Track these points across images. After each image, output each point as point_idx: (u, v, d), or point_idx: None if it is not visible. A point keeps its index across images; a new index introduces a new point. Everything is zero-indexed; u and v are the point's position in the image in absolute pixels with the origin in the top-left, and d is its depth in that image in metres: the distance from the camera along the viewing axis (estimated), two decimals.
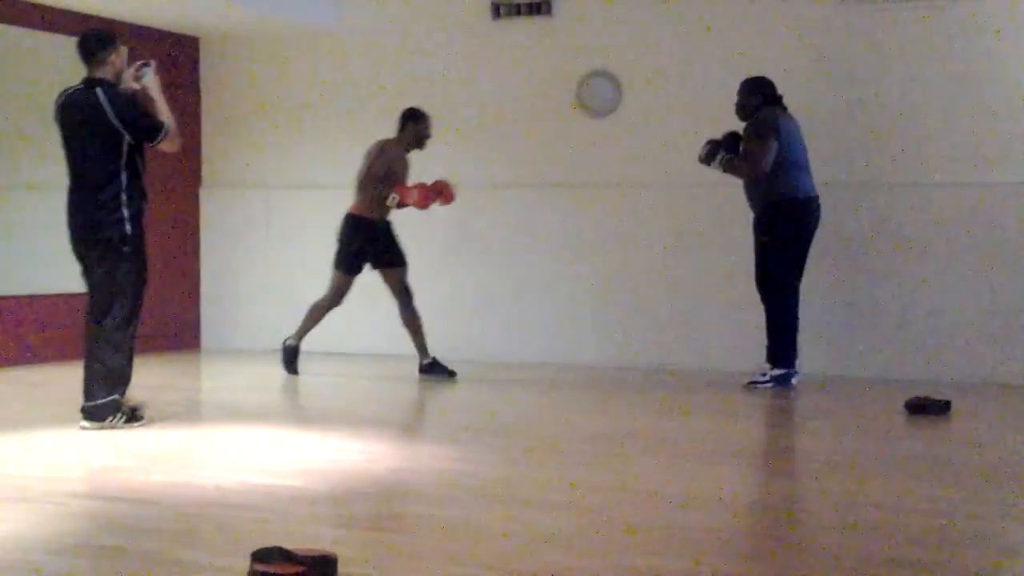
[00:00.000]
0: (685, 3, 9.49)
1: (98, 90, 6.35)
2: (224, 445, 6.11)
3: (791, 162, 8.07)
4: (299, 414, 7.13)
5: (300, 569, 3.67)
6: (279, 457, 5.85)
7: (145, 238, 6.54)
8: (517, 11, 9.92)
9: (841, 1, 9.01)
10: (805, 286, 8.83)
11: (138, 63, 6.58)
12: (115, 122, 6.29)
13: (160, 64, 6.62)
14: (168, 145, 6.50)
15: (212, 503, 4.86)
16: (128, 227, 6.38)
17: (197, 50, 10.79)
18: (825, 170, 9.00)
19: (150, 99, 6.49)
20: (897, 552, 4.16)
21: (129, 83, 6.52)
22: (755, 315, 8.87)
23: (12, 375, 8.92)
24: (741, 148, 8.19)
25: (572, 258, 9.81)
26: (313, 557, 3.75)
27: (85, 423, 6.39)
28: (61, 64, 9.85)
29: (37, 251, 9.78)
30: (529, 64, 9.95)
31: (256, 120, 10.78)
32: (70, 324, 9.81)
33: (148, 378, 8.38)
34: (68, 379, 8.73)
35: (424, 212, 8.70)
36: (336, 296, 8.68)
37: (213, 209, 10.93)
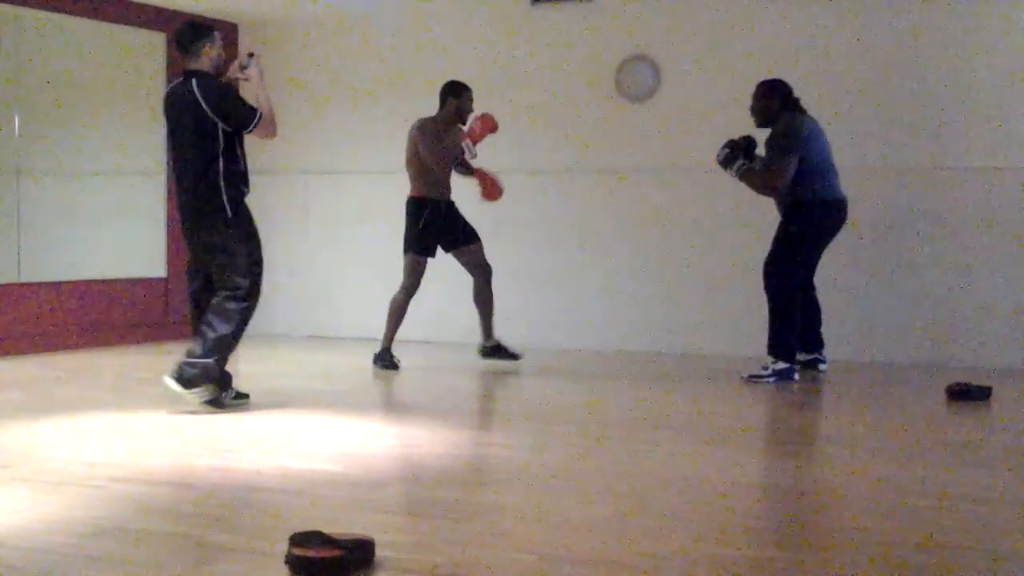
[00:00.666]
0: None
1: (193, 81, 6.52)
2: (263, 430, 6.12)
3: (819, 165, 7.90)
4: (337, 399, 7.14)
5: (338, 553, 3.68)
6: (318, 442, 5.86)
7: (252, 220, 6.71)
8: None
9: None
10: (846, 273, 8.81)
11: (244, 54, 6.81)
12: (208, 111, 6.44)
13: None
14: (263, 131, 6.61)
15: (251, 487, 4.88)
16: (229, 211, 6.53)
17: (235, 36, 10.82)
18: (866, 156, 8.96)
19: (252, 88, 6.68)
20: (935, 538, 4.12)
21: (235, 73, 6.74)
22: None
23: (56, 360, 8.98)
24: (765, 155, 7.98)
25: (610, 244, 9.79)
26: (351, 541, 3.75)
27: (169, 380, 6.43)
28: (106, 50, 9.98)
29: (75, 237, 9.86)
30: (568, 49, 9.92)
31: (295, 105, 10.79)
32: (111, 309, 9.88)
33: None
34: (111, 365, 8.80)
35: (457, 199, 8.62)
36: (409, 280, 8.49)
37: (252, 195, 10.91)
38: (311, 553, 3.66)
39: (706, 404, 7.15)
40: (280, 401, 7.04)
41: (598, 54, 9.81)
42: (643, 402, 7.30)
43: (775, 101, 7.99)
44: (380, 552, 3.78)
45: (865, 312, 9.01)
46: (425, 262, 8.47)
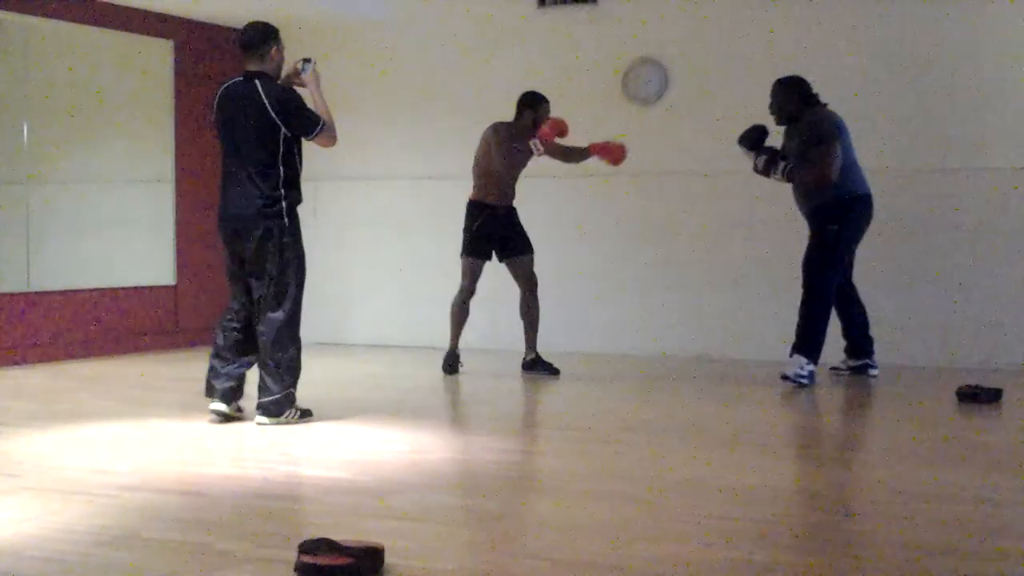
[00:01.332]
0: None
1: (257, 82, 6.37)
2: (272, 437, 6.12)
3: (851, 160, 7.86)
4: (346, 406, 7.14)
5: (347, 560, 3.68)
6: (326, 449, 5.86)
7: (300, 233, 6.54)
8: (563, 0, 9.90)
9: None
10: (858, 272, 8.80)
11: (300, 59, 6.65)
12: (273, 115, 6.30)
13: (205, 57, 6.61)
14: (324, 140, 6.50)
15: (260, 495, 4.88)
16: (286, 220, 6.40)
17: None
18: (875, 157, 8.94)
19: (308, 94, 6.56)
20: (947, 541, 4.11)
21: (289, 78, 6.58)
22: (793, 305, 8.83)
23: (65, 369, 9.00)
24: (803, 151, 7.85)
25: (617, 247, 9.78)
26: (360, 548, 3.75)
27: (262, 419, 6.37)
28: (115, 59, 10.00)
29: (84, 245, 9.89)
30: (575, 52, 9.92)
31: None
32: (120, 318, 9.89)
33: (196, 371, 8.44)
34: (121, 373, 8.81)
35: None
36: (464, 281, 8.51)
37: None
38: (320, 561, 3.66)
39: (717, 407, 7.14)
40: None
41: (605, 57, 9.81)
42: (654, 406, 7.29)
43: (795, 97, 7.94)
44: (389, 559, 3.79)
45: (875, 314, 8.97)
46: (480, 264, 8.48)
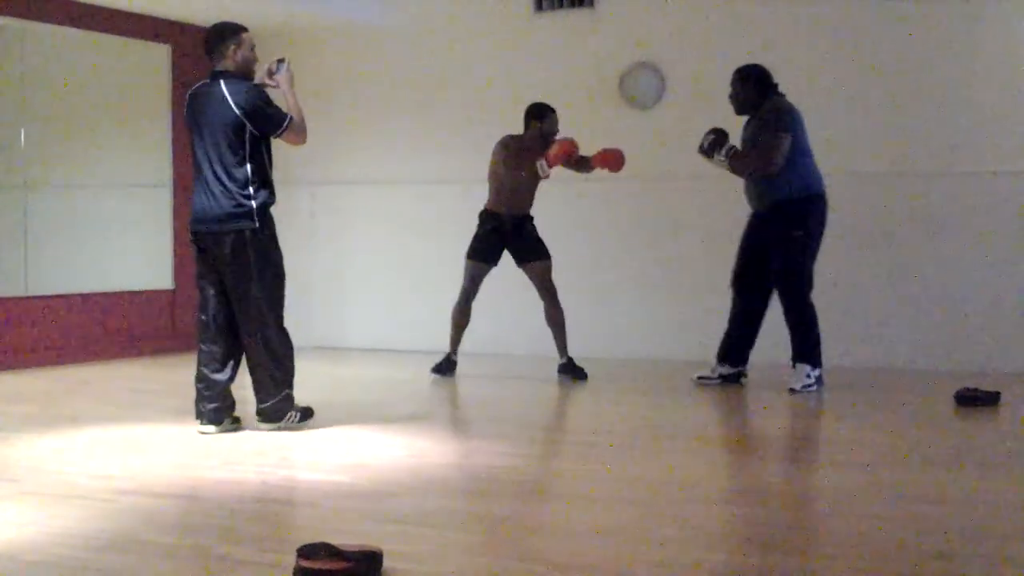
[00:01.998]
0: None
1: (221, 82, 6.27)
2: (270, 442, 6.12)
3: (808, 153, 7.64)
4: (344, 410, 7.14)
5: (346, 565, 3.68)
6: (325, 453, 5.85)
7: (275, 233, 6.41)
8: (560, 4, 9.90)
9: None
10: (853, 279, 8.80)
11: (273, 60, 6.55)
12: (238, 112, 6.18)
13: (203, 62, 6.58)
14: (292, 137, 6.39)
15: (259, 499, 4.88)
16: (257, 222, 6.26)
17: None
18: (872, 160, 8.97)
19: (282, 94, 6.45)
20: (945, 545, 4.11)
21: (264, 79, 6.48)
22: None
23: (63, 373, 8.99)
24: (754, 138, 7.70)
25: (615, 251, 9.78)
26: (359, 553, 3.75)
27: (262, 424, 6.34)
28: (112, 63, 10.00)
29: (82, 249, 9.88)
30: (572, 57, 9.92)
31: None
32: (118, 322, 9.89)
33: (193, 375, 8.45)
34: (119, 377, 8.80)
35: (464, 209, 8.63)
36: (464, 283, 8.56)
37: None
38: (319, 565, 3.66)
39: (715, 411, 7.14)
40: None
41: (602, 61, 9.82)
42: (652, 410, 7.29)
43: (751, 86, 7.77)
44: (388, 563, 3.78)
45: (872, 317, 9.00)
46: (479, 267, 8.52)
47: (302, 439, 6.18)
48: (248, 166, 6.26)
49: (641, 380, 8.58)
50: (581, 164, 8.53)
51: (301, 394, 6.53)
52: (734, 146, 7.74)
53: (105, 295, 9.82)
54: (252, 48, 6.43)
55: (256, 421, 6.36)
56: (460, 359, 8.68)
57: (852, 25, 9.13)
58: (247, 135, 6.25)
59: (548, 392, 8.08)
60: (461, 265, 8.64)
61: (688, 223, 9.56)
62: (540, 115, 8.43)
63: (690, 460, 5.71)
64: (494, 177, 8.47)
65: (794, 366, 7.68)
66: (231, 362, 6.40)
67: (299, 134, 6.43)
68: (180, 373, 8.67)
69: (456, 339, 8.64)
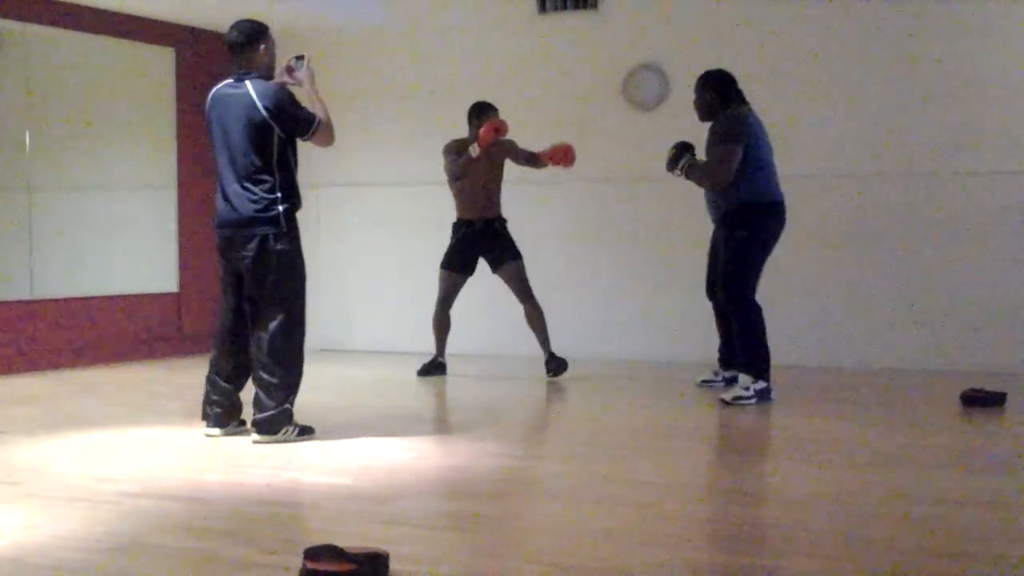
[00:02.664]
0: None
1: (247, 83, 6.10)
2: (274, 443, 6.11)
3: (761, 165, 7.45)
4: (349, 413, 7.14)
5: (352, 567, 3.68)
6: (329, 456, 5.85)
7: (300, 241, 6.21)
8: (564, 5, 9.90)
9: None
10: (859, 278, 8.78)
11: (292, 56, 6.38)
12: (265, 116, 6.01)
13: (207, 64, 6.55)
14: (321, 140, 6.21)
15: (264, 501, 4.88)
16: (284, 226, 6.07)
17: None
18: (877, 160, 8.96)
19: (303, 93, 6.30)
20: (950, 546, 4.11)
21: (283, 77, 6.31)
22: (802, 307, 8.86)
23: (68, 376, 9.00)
24: (709, 148, 7.59)
25: (619, 252, 9.78)
26: (365, 555, 3.75)
27: (257, 437, 6.11)
28: (117, 66, 10.01)
29: (86, 252, 9.89)
30: (576, 58, 9.92)
31: None
32: (123, 325, 9.89)
33: (198, 377, 8.43)
34: (124, 380, 8.81)
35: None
36: (441, 293, 8.69)
37: None
38: (325, 567, 3.66)
39: (716, 413, 7.13)
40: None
41: (606, 62, 9.82)
42: (654, 411, 7.28)
43: (710, 94, 7.66)
44: (393, 565, 3.78)
45: (878, 318, 8.99)
46: (452, 277, 8.64)
47: (306, 441, 6.17)
48: (275, 170, 6.08)
49: (643, 381, 8.57)
50: (532, 160, 8.54)
51: (306, 396, 6.52)
52: (690, 160, 7.66)
53: (110, 298, 9.83)
54: (275, 46, 6.32)
55: (252, 432, 6.18)
56: (462, 361, 8.70)
57: (854, 25, 9.12)
58: (275, 138, 6.06)
59: (549, 393, 8.08)
60: None
61: (692, 223, 9.53)
62: (478, 113, 8.55)
63: (692, 461, 5.71)
64: (452, 186, 8.60)
65: (738, 377, 7.51)
66: (241, 372, 6.32)
67: (328, 136, 6.26)
68: (185, 376, 8.69)
69: (440, 342, 8.76)
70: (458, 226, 8.68)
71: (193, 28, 10.25)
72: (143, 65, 10.18)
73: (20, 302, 9.18)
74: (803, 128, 9.20)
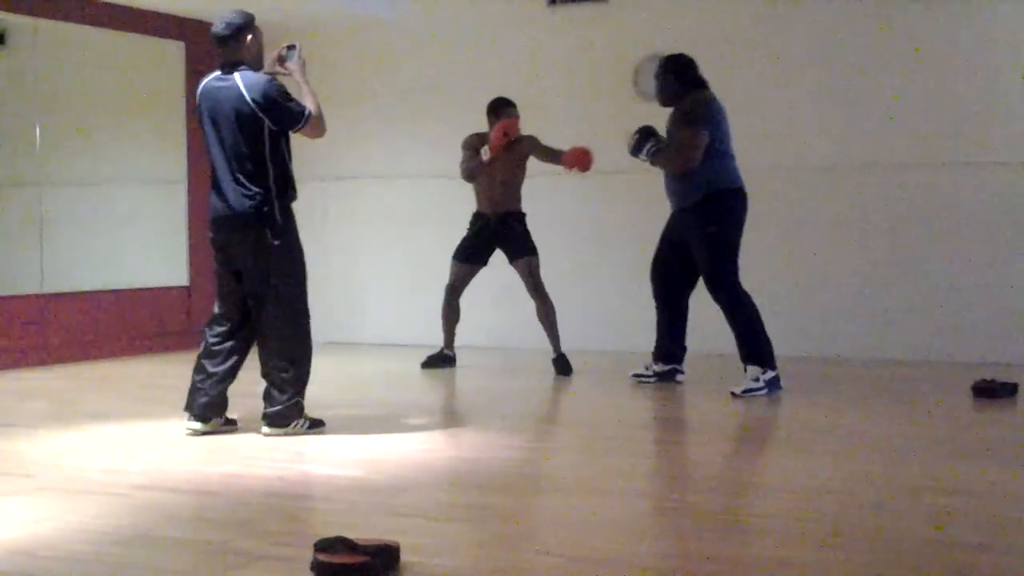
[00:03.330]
0: None
1: (236, 75, 5.98)
2: (285, 436, 6.11)
3: (724, 150, 7.43)
4: (359, 405, 7.14)
5: (363, 559, 3.67)
6: (340, 448, 5.86)
7: (298, 234, 6.15)
8: None
9: None
10: (872, 268, 8.77)
11: (283, 46, 6.27)
12: (254, 108, 5.91)
13: (217, 58, 6.51)
14: (312, 132, 6.13)
15: (274, 494, 4.88)
16: (280, 220, 6.00)
17: None
18: (884, 152, 8.95)
19: (294, 83, 6.19)
20: (964, 537, 4.10)
21: (273, 67, 6.20)
22: (812, 299, 8.86)
23: (79, 369, 9.01)
24: (674, 133, 7.55)
25: (630, 244, 9.76)
26: (376, 547, 3.74)
27: (267, 430, 6.09)
28: (126, 60, 10.02)
29: (97, 246, 9.91)
30: (585, 51, 9.91)
31: None
32: (134, 318, 9.90)
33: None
34: (134, 374, 8.82)
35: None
36: (450, 281, 8.72)
37: None
38: (336, 559, 3.66)
39: (726, 404, 7.12)
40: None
41: (616, 55, 9.80)
42: (664, 402, 7.28)
43: (672, 77, 7.60)
44: (404, 557, 3.78)
45: (889, 309, 8.97)
46: (461, 268, 8.68)
47: (316, 434, 6.18)
48: (268, 163, 6.00)
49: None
50: (553, 159, 8.51)
51: (315, 390, 6.52)
52: (655, 145, 7.58)
53: (121, 292, 9.85)
54: (262, 37, 6.21)
55: (262, 425, 6.17)
56: (471, 353, 8.70)
57: (861, 18, 9.10)
58: (266, 130, 5.98)
59: (559, 386, 8.07)
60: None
61: None
62: (495, 109, 8.55)
63: (701, 452, 5.70)
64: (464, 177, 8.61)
65: (745, 369, 7.44)
66: (233, 360, 6.23)
67: (319, 127, 6.17)
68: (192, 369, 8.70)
69: (448, 334, 8.77)
70: (475, 219, 8.70)
71: (203, 22, 10.24)
72: (153, 59, 10.19)
73: (31, 296, 9.20)
74: (811, 120, 9.19)
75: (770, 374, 7.34)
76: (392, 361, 9.36)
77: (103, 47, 9.80)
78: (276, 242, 6.01)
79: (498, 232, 8.59)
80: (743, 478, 5.08)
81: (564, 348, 8.57)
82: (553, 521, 4.44)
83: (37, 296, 9.24)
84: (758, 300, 9.24)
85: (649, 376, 7.90)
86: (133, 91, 10.20)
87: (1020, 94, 8.73)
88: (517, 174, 8.59)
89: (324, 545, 3.72)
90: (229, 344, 6.24)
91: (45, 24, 9.28)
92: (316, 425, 6.23)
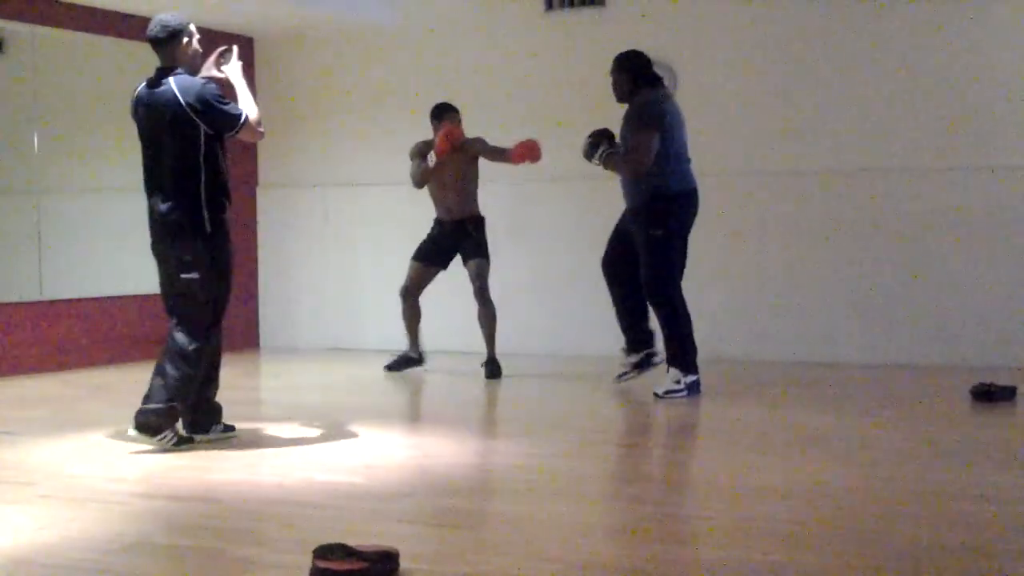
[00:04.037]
0: None
1: (171, 79, 5.90)
2: (285, 443, 6.12)
3: (677, 152, 7.43)
4: (359, 411, 7.14)
5: (362, 565, 3.68)
6: (340, 454, 5.86)
7: (229, 241, 6.08)
8: (570, 2, 9.90)
9: None
10: (873, 272, 8.77)
11: (220, 49, 6.22)
12: (189, 112, 5.82)
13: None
14: (249, 135, 5.99)
15: (274, 500, 4.88)
16: (208, 227, 5.90)
17: (252, 50, 10.83)
18: (887, 156, 8.95)
19: (232, 87, 6.12)
20: (968, 540, 4.10)
21: (210, 71, 6.11)
22: (811, 303, 8.86)
23: (78, 377, 9.01)
24: (620, 138, 7.58)
25: None
26: (375, 553, 3.75)
27: (132, 432, 5.89)
28: (124, 67, 10.00)
29: (96, 253, 9.90)
30: (583, 55, 9.91)
31: (312, 119, 10.82)
32: (133, 325, 9.90)
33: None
34: (134, 381, 8.81)
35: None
36: (405, 283, 8.80)
37: (270, 209, 10.98)
38: (336, 566, 3.66)
39: (727, 409, 7.12)
40: (302, 414, 7.04)
41: (612, 60, 9.78)
42: (662, 407, 7.27)
43: (625, 76, 7.59)
44: (404, 563, 3.78)
45: (886, 312, 8.97)
46: (419, 268, 8.75)
47: (317, 441, 6.18)
48: (202, 168, 5.89)
49: (648, 377, 8.55)
50: (502, 157, 8.50)
51: (316, 395, 6.53)
52: (607, 149, 7.57)
53: (119, 298, 9.84)
54: (199, 43, 6.10)
55: (131, 426, 5.94)
56: (469, 359, 8.69)
57: (863, 21, 9.10)
58: (201, 135, 5.87)
59: (556, 391, 8.07)
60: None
61: (701, 219, 9.50)
62: (438, 115, 8.64)
63: (701, 457, 5.70)
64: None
65: (668, 370, 7.46)
66: (211, 375, 6.13)
67: (255, 131, 6.02)
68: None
69: (412, 335, 8.84)
70: (434, 223, 8.79)
71: (201, 29, 10.21)
72: (150, 66, 10.15)
73: (30, 303, 9.20)
74: (811, 123, 9.19)
75: (691, 378, 7.38)
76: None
77: (101, 54, 9.79)
78: (206, 251, 5.91)
79: (452, 237, 8.65)
80: (742, 483, 5.08)
81: (566, 352, 8.60)
82: (552, 527, 4.44)
83: (36, 303, 9.23)
84: (759, 303, 9.27)
85: (629, 372, 7.89)
86: (130, 99, 10.16)
87: (1017, 97, 8.72)
88: (468, 178, 8.64)
89: (324, 552, 3.73)
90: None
91: (43, 31, 9.28)
92: (184, 442, 5.97)
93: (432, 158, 8.41)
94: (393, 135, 10.47)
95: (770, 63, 9.26)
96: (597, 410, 7.32)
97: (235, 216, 10.54)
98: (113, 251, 10.05)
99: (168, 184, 5.94)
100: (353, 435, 6.32)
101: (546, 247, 9.88)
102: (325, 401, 7.51)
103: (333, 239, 10.80)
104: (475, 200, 8.68)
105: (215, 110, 5.88)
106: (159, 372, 5.96)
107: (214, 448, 6.00)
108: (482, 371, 8.50)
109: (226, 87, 6.14)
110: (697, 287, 9.43)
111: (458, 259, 8.71)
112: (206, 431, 6.15)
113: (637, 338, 7.84)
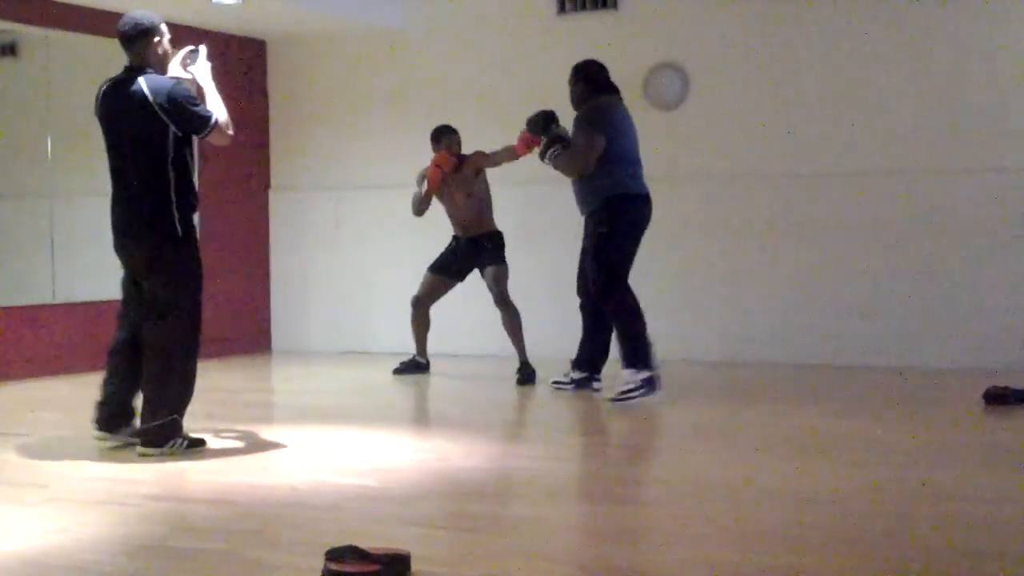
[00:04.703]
0: None
1: (140, 79, 5.76)
2: (297, 446, 6.12)
3: (625, 157, 7.41)
4: (371, 414, 7.14)
5: (374, 568, 3.67)
6: (352, 457, 5.86)
7: (198, 243, 5.98)
8: (583, 6, 9.89)
9: None
10: (884, 275, 8.75)
11: (187, 48, 6.08)
12: (159, 112, 5.68)
13: (228, 67, 6.46)
14: (218, 138, 5.86)
15: (286, 503, 4.88)
16: (179, 229, 5.80)
17: (264, 53, 10.85)
18: (892, 158, 8.94)
19: (200, 88, 5.95)
20: (977, 544, 4.08)
21: (178, 71, 5.95)
22: (822, 306, 8.85)
23: (90, 380, 9.01)
24: (573, 137, 7.53)
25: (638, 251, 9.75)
26: (387, 555, 3.74)
27: (142, 449, 5.80)
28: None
29: (107, 257, 9.92)
30: (596, 58, 9.89)
31: (324, 122, 10.83)
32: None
33: (221, 381, 8.47)
34: None
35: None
36: (417, 293, 8.83)
37: (283, 211, 10.99)
38: (347, 568, 3.66)
39: (737, 411, 7.11)
40: (314, 417, 7.05)
41: (625, 63, 9.77)
42: (674, 410, 7.25)
43: (580, 85, 7.60)
44: (416, 566, 3.78)
45: (901, 316, 8.95)
46: (430, 279, 8.81)
47: (329, 443, 6.19)
48: (170, 170, 5.76)
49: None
50: (501, 157, 8.46)
51: (329, 398, 6.52)
52: (557, 150, 7.54)
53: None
54: (169, 40, 5.97)
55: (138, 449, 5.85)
56: (481, 363, 8.69)
57: (871, 25, 9.08)
58: (170, 137, 5.75)
59: (568, 394, 8.05)
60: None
61: (712, 222, 9.52)
62: (436, 138, 8.70)
63: (712, 460, 5.68)
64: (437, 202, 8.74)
65: (623, 372, 7.37)
66: (131, 378, 6.02)
67: (225, 134, 5.90)
68: (205, 379, 8.68)
69: (420, 343, 8.89)
70: (452, 239, 8.84)
71: (208, 32, 10.27)
72: None
73: (43, 306, 9.22)
74: (821, 126, 9.17)
75: (644, 373, 7.23)
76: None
77: (111, 57, 9.78)
78: (175, 255, 5.83)
79: (472, 252, 8.66)
80: (755, 485, 5.07)
81: (574, 356, 8.56)
82: (564, 530, 4.43)
83: (48, 306, 9.25)
84: (768, 306, 9.26)
85: (566, 385, 7.87)
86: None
87: (1020, 100, 8.71)
88: (477, 195, 8.62)
89: (335, 554, 3.72)
90: (126, 363, 6.04)
91: (56, 35, 9.30)
92: (196, 444, 5.92)
93: (425, 186, 8.47)
94: (405, 138, 10.46)
95: (781, 65, 9.24)
96: (608, 414, 7.30)
97: (246, 219, 10.68)
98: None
99: (136, 187, 5.84)
100: (365, 438, 6.32)
101: (554, 249, 9.85)
102: (337, 404, 7.50)
103: (345, 243, 10.80)
104: (489, 216, 8.67)
105: (186, 110, 5.76)
106: (146, 386, 5.89)
107: (224, 450, 6.00)
108: (514, 377, 8.40)
109: (193, 88, 6.00)
110: (703, 289, 9.47)
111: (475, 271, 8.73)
112: (113, 432, 5.99)
113: (590, 357, 7.83)
